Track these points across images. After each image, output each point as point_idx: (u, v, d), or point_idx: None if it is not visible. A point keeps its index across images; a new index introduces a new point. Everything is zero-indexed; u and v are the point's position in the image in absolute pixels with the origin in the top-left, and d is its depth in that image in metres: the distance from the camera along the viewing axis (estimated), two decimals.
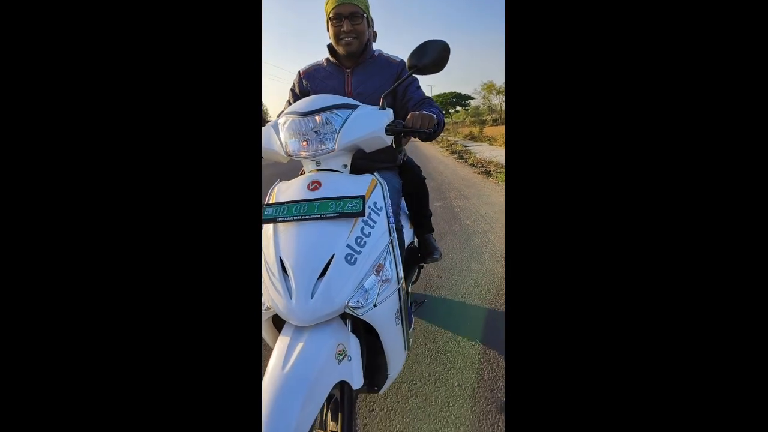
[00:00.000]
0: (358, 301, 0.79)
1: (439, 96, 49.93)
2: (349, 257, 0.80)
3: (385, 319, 0.87)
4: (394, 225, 0.93)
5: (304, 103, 0.94)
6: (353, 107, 0.94)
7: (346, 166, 0.99)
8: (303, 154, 0.92)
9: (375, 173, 0.98)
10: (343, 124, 0.91)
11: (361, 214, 0.83)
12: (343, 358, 0.77)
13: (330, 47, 1.29)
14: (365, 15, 1.21)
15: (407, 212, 1.49)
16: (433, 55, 0.98)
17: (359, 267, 0.81)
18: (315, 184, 0.91)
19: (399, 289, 0.90)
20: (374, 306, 0.81)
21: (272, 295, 0.78)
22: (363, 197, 0.85)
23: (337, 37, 1.22)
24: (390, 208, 0.95)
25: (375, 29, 1.39)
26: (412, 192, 1.45)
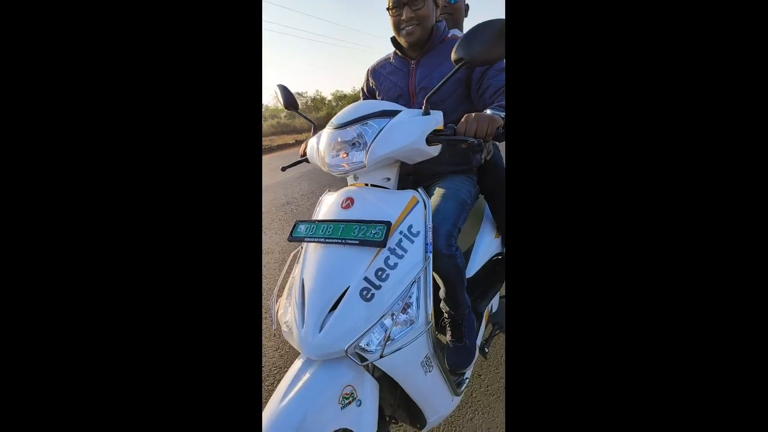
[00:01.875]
0: (368, 344, 0.69)
1: None
2: (365, 292, 0.70)
3: (406, 367, 0.76)
4: (431, 254, 0.78)
5: (342, 113, 0.85)
6: (393, 114, 0.81)
7: (389, 179, 0.87)
8: (342, 167, 0.84)
9: (419, 189, 0.84)
10: (376, 136, 0.79)
11: (382, 244, 0.71)
12: (349, 402, 0.68)
13: (393, 40, 1.15)
14: None
15: (491, 217, 1.29)
16: (483, 42, 0.74)
17: (376, 304, 0.70)
18: (348, 202, 0.83)
19: (428, 332, 0.77)
20: (394, 351, 0.70)
21: (291, 318, 0.73)
22: (388, 224, 0.73)
23: (397, 27, 1.07)
24: (429, 233, 0.79)
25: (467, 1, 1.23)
26: (497, 194, 1.23)
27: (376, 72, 1.22)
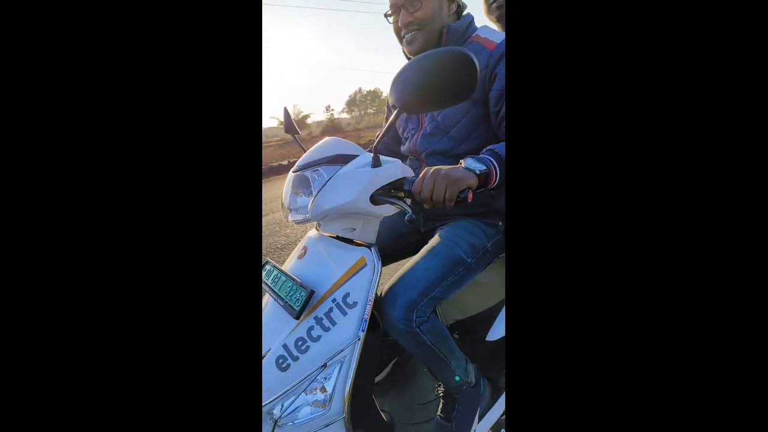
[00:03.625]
0: (280, 413, 0.60)
1: None
2: (281, 360, 0.61)
3: None
4: (363, 332, 0.64)
5: (306, 153, 0.74)
6: (348, 160, 0.68)
7: (354, 229, 0.73)
8: (294, 216, 0.72)
9: (373, 248, 0.70)
10: (322, 187, 0.67)
11: (296, 316, 0.61)
12: None
13: (404, 52, 0.94)
14: None
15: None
16: (419, 84, 0.54)
17: (290, 377, 0.61)
18: (302, 251, 0.74)
19: (343, 424, 0.65)
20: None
21: None
22: (311, 293, 0.62)
23: (398, 34, 0.89)
24: (368, 306, 0.65)
25: None
26: None
27: None
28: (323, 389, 0.62)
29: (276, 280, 0.69)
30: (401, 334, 0.73)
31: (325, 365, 0.62)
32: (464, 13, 0.90)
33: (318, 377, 0.61)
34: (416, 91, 0.55)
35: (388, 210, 0.69)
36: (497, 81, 0.77)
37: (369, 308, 0.65)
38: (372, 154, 0.67)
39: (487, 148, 0.71)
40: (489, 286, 0.92)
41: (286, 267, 0.75)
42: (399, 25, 0.86)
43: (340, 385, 0.63)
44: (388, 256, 0.99)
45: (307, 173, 0.69)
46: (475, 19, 0.90)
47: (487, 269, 0.87)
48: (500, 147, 0.70)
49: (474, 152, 0.72)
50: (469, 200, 0.62)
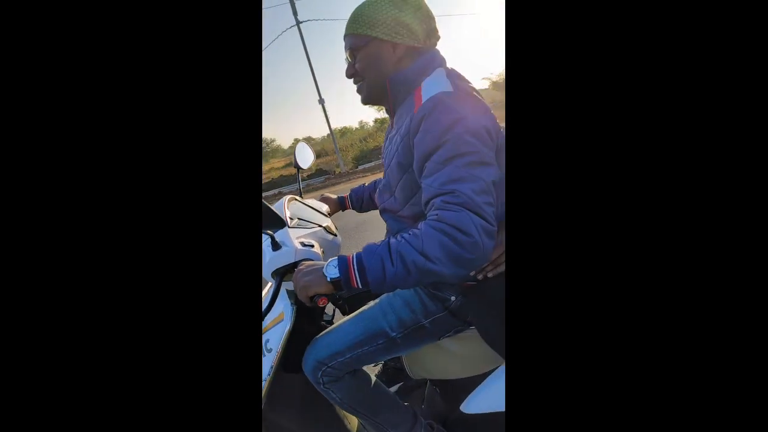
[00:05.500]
0: None
1: None
2: None
3: None
4: (270, 377, 0.69)
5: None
6: (271, 234, 0.75)
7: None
8: None
9: (293, 306, 0.77)
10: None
11: None
12: None
13: None
14: (372, 38, 0.71)
15: None
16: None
17: None
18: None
19: None
20: None
21: None
22: None
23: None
24: (275, 355, 0.71)
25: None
26: (489, 321, 0.73)
27: None
28: None
29: None
30: (315, 385, 0.78)
31: None
32: (434, 46, 0.75)
33: None
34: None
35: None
36: (415, 151, 0.65)
37: (274, 358, 0.74)
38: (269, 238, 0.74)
39: (404, 234, 0.60)
40: (457, 356, 0.84)
41: None
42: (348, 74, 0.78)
43: None
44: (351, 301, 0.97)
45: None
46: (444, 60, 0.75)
47: (456, 339, 0.81)
48: (370, 248, 0.61)
49: (419, 216, 0.67)
50: (321, 304, 0.64)
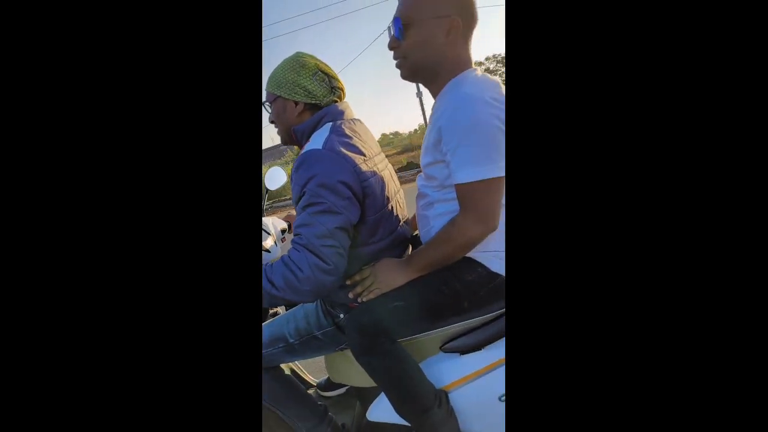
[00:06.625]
0: None
1: None
2: None
3: None
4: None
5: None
6: None
7: None
8: None
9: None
10: None
11: None
12: None
13: None
14: (277, 95, 0.85)
15: None
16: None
17: None
18: None
19: None
20: None
21: None
22: None
23: None
24: None
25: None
26: None
27: None
28: None
29: None
30: None
31: None
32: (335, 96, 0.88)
33: None
34: None
35: None
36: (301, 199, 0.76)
37: None
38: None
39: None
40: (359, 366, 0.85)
41: None
42: None
43: None
44: None
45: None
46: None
47: None
48: (278, 264, 0.74)
49: None
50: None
